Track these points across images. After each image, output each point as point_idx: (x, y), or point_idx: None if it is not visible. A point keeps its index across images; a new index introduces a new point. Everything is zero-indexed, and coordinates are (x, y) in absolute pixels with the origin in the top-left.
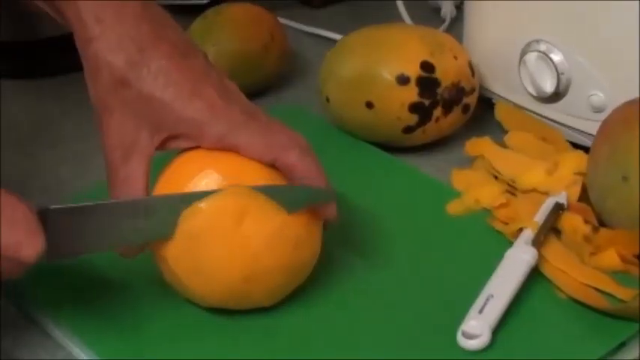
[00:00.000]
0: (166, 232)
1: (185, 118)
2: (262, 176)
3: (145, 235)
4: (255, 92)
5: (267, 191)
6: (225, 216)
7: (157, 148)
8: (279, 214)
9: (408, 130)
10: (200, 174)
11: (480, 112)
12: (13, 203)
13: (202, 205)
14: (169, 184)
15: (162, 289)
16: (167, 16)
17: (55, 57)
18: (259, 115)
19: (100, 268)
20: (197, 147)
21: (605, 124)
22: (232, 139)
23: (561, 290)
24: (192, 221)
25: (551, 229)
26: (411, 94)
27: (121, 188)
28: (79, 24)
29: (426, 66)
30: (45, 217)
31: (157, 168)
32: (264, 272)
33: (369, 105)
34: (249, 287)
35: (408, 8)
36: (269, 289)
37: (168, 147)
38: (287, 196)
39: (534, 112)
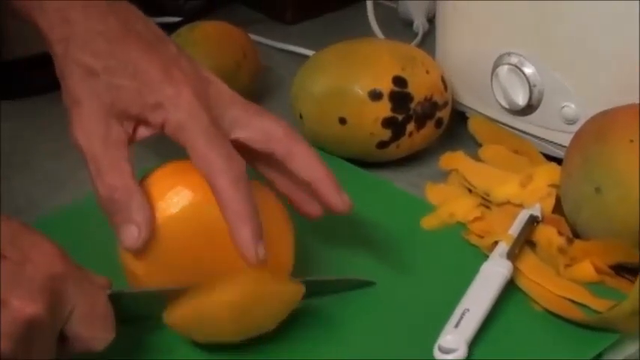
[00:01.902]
0: None
1: (153, 104)
2: None
3: None
4: None
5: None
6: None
7: (131, 138)
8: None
9: (382, 145)
10: (171, 191)
11: (454, 126)
12: (94, 294)
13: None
14: None
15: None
16: (134, 9)
17: (28, 78)
18: (239, 97)
19: None
20: (166, 164)
21: (578, 135)
22: (196, 112)
23: (537, 303)
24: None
25: (525, 241)
26: (383, 109)
27: (109, 179)
28: (47, 27)
29: (398, 81)
30: (117, 299)
31: None
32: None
33: (342, 121)
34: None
35: (379, 23)
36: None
37: (140, 136)
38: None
39: (507, 125)
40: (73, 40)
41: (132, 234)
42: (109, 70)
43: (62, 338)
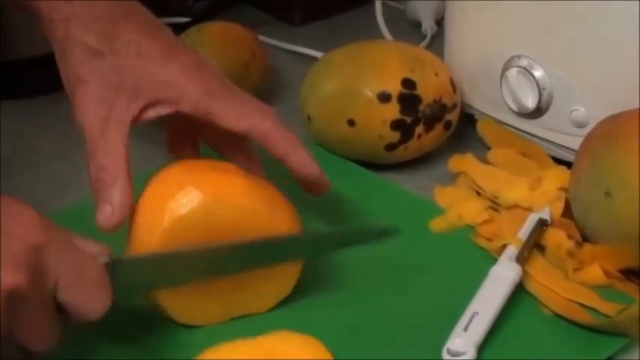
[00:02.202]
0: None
1: (161, 81)
2: (243, 192)
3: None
4: None
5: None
6: None
7: (136, 119)
8: None
9: (390, 147)
10: (181, 192)
11: (462, 129)
12: (83, 261)
13: None
14: (151, 202)
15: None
16: (136, 2)
17: (31, 78)
18: (232, 85)
19: None
20: (176, 163)
21: (588, 139)
22: (208, 104)
23: (546, 306)
24: None
25: (534, 245)
26: (392, 111)
27: (101, 159)
28: (47, 6)
29: (407, 83)
30: (114, 268)
31: (139, 184)
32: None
33: (351, 122)
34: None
35: (388, 24)
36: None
37: (148, 116)
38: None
39: (516, 128)
40: (75, 19)
41: (105, 213)
42: (114, 51)
43: (61, 309)
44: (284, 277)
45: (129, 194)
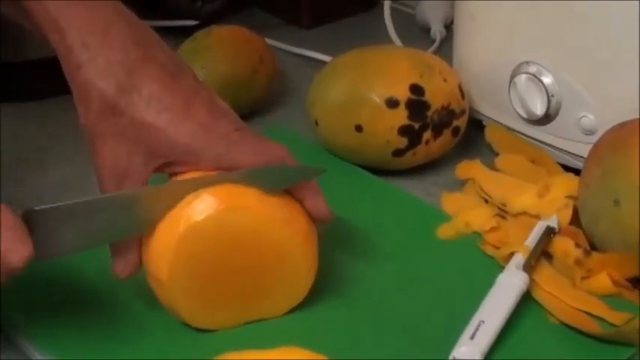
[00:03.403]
0: (151, 221)
1: (180, 145)
2: (258, 200)
3: (129, 229)
4: (244, 114)
5: (250, 175)
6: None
7: (154, 171)
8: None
9: (398, 153)
10: (196, 199)
11: (470, 135)
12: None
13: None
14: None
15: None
16: (154, 34)
17: (40, 80)
18: (250, 130)
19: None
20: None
21: (596, 146)
22: (228, 159)
23: (553, 315)
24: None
25: (542, 253)
26: (400, 117)
27: None
28: (65, 50)
29: (416, 89)
30: (30, 219)
31: None
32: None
33: (359, 128)
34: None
35: (396, 29)
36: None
37: (164, 172)
38: (270, 177)
39: (525, 135)
40: (92, 67)
41: (120, 266)
42: (132, 105)
43: None
44: (298, 283)
45: (138, 252)
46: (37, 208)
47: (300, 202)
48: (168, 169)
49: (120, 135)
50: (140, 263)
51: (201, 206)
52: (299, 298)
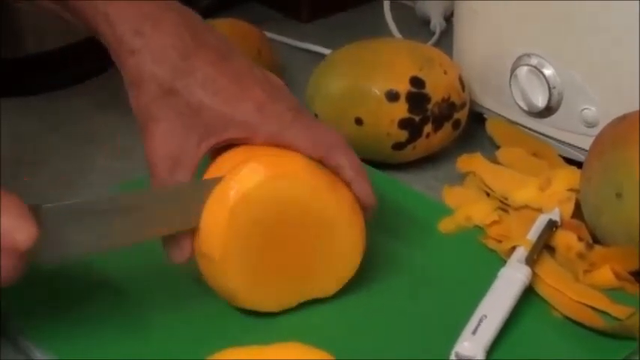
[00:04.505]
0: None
1: (235, 123)
2: (305, 169)
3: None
4: None
5: None
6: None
7: (208, 151)
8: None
9: (398, 146)
10: (245, 168)
11: (471, 128)
12: (3, 193)
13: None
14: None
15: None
16: (202, 21)
17: (37, 75)
18: (304, 111)
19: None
20: (237, 146)
21: (598, 139)
22: (281, 137)
23: (556, 309)
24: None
25: (544, 246)
26: (400, 110)
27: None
28: (115, 40)
29: (416, 81)
30: (37, 215)
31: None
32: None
33: (359, 121)
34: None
35: (396, 21)
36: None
37: (216, 147)
38: None
39: (526, 127)
40: (146, 53)
41: (175, 254)
42: (188, 88)
43: None
44: (346, 257)
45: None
46: (44, 206)
47: (347, 185)
48: (221, 144)
49: (175, 116)
50: (193, 247)
51: (250, 175)
52: (349, 275)
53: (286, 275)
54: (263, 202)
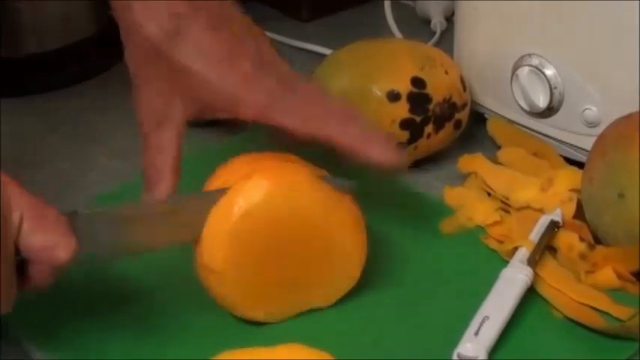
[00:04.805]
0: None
1: (220, 92)
2: (309, 182)
3: (172, 237)
4: None
5: None
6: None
7: (193, 117)
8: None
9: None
10: (249, 183)
11: (472, 128)
12: (42, 205)
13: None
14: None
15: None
16: None
17: (37, 75)
18: (296, 84)
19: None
20: (240, 156)
21: (600, 139)
22: (268, 112)
23: (558, 310)
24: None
25: (546, 247)
26: (401, 110)
27: (152, 155)
28: None
29: (417, 82)
30: (73, 222)
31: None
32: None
33: None
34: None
35: (397, 20)
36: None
37: (204, 116)
38: None
39: (527, 127)
40: (140, 9)
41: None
42: (177, 50)
43: (22, 270)
44: (347, 270)
45: (171, 191)
46: (80, 212)
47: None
48: (209, 113)
49: (162, 77)
50: (176, 186)
51: (254, 190)
52: (348, 286)
53: (286, 287)
54: (266, 218)
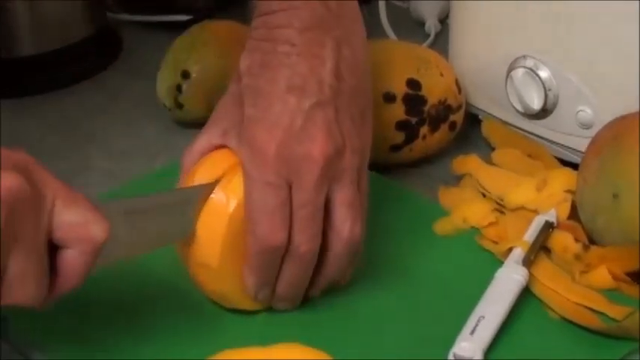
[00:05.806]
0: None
1: (243, 150)
2: None
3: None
4: None
5: None
6: None
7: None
8: None
9: (395, 148)
10: (236, 176)
11: (467, 129)
12: (72, 189)
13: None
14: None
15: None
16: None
17: (33, 76)
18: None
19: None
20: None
21: (595, 141)
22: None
23: (553, 310)
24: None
25: (541, 247)
26: (397, 112)
27: (185, 153)
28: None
29: (413, 84)
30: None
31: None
32: None
33: None
34: None
35: (391, 23)
36: None
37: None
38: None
39: (521, 129)
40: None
41: None
42: (246, 90)
43: (53, 254)
44: None
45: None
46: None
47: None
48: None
49: (232, 97)
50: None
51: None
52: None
53: None
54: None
